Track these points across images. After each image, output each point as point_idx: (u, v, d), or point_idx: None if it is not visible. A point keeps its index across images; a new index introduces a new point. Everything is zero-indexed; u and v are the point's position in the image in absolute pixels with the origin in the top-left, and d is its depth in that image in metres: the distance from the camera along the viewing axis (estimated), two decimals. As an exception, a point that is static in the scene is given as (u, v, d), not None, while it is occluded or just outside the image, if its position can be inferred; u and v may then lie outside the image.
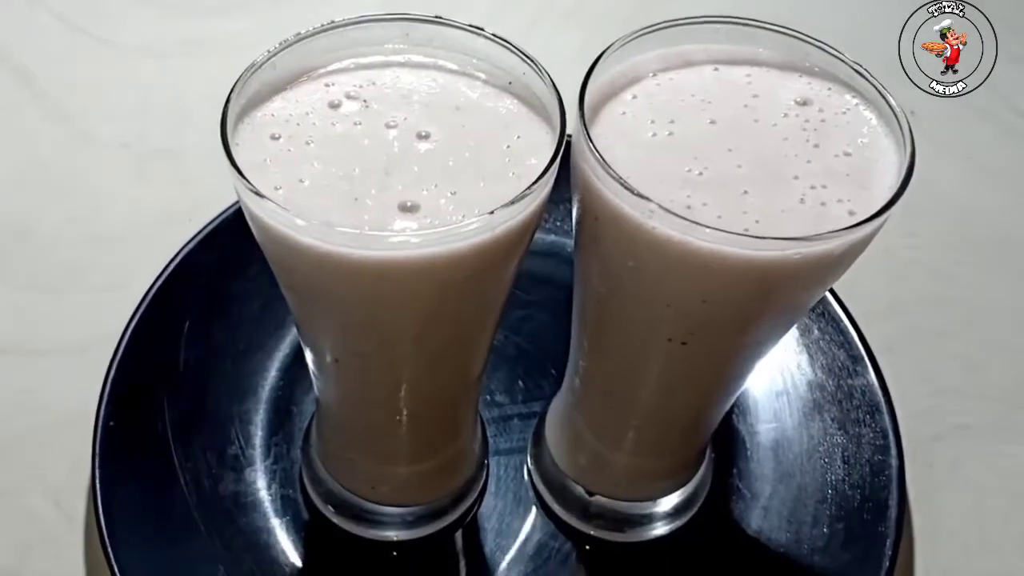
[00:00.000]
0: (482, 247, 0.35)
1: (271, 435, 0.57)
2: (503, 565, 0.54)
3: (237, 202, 0.62)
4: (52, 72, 0.78)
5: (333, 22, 0.40)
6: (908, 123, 0.38)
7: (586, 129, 0.37)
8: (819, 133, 0.39)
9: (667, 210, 0.35)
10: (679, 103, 0.40)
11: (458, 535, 0.55)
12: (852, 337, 0.61)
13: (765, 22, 0.41)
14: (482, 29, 0.40)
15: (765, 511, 0.56)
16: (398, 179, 0.36)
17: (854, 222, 0.35)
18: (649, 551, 0.55)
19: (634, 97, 0.40)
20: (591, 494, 0.54)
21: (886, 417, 0.57)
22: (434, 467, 0.51)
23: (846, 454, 0.57)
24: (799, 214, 0.36)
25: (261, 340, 0.60)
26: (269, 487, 0.55)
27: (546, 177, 0.36)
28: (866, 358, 0.60)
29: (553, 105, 0.38)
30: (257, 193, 0.34)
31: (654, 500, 0.54)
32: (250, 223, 0.37)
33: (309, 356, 0.45)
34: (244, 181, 0.34)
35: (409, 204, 0.36)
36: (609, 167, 0.36)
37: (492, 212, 0.34)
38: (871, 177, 0.38)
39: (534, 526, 0.55)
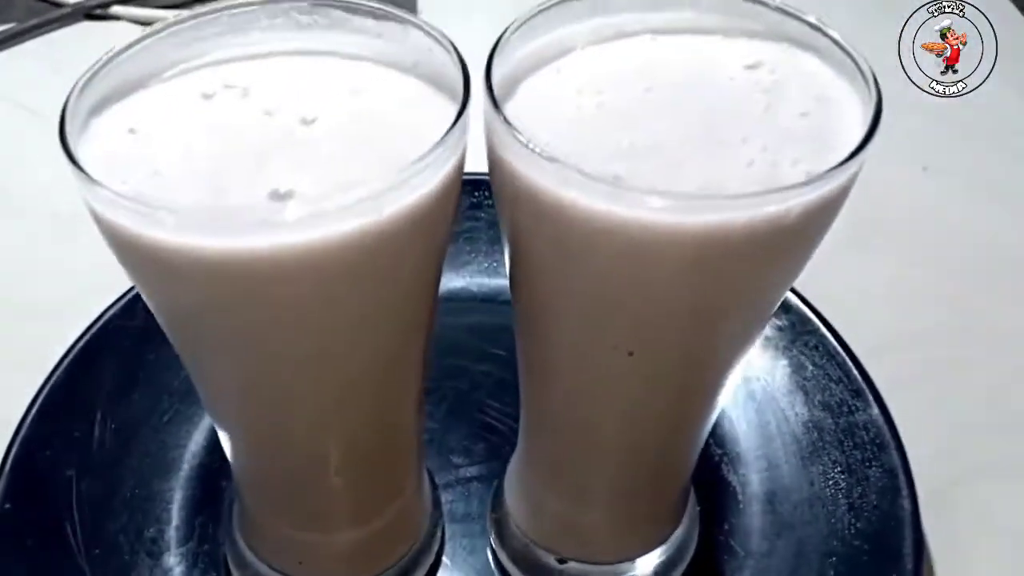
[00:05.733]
0: (366, 234, 0.29)
1: (195, 515, 0.50)
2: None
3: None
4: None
5: (208, 7, 0.35)
6: (874, 77, 0.33)
7: (494, 102, 0.32)
8: (771, 95, 0.33)
9: (586, 175, 0.29)
10: (609, 73, 0.35)
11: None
12: (851, 370, 0.54)
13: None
14: (383, 7, 0.35)
15: (762, 571, 0.48)
16: (273, 167, 0.31)
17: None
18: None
19: (559, 71, 0.35)
20: (562, 561, 0.47)
21: (894, 454, 0.50)
22: (367, 535, 0.44)
23: (851, 499, 0.49)
24: (745, 179, 0.30)
25: (188, 411, 0.54)
26: (190, 573, 0.48)
27: (441, 149, 0.30)
28: (868, 392, 0.53)
29: (458, 80, 0.33)
30: (91, 179, 0.28)
31: (632, 560, 0.46)
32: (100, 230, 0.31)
33: (203, 393, 0.38)
34: (79, 171, 0.29)
35: (283, 191, 0.30)
36: (518, 132, 0.30)
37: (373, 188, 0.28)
38: (833, 137, 0.32)
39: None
